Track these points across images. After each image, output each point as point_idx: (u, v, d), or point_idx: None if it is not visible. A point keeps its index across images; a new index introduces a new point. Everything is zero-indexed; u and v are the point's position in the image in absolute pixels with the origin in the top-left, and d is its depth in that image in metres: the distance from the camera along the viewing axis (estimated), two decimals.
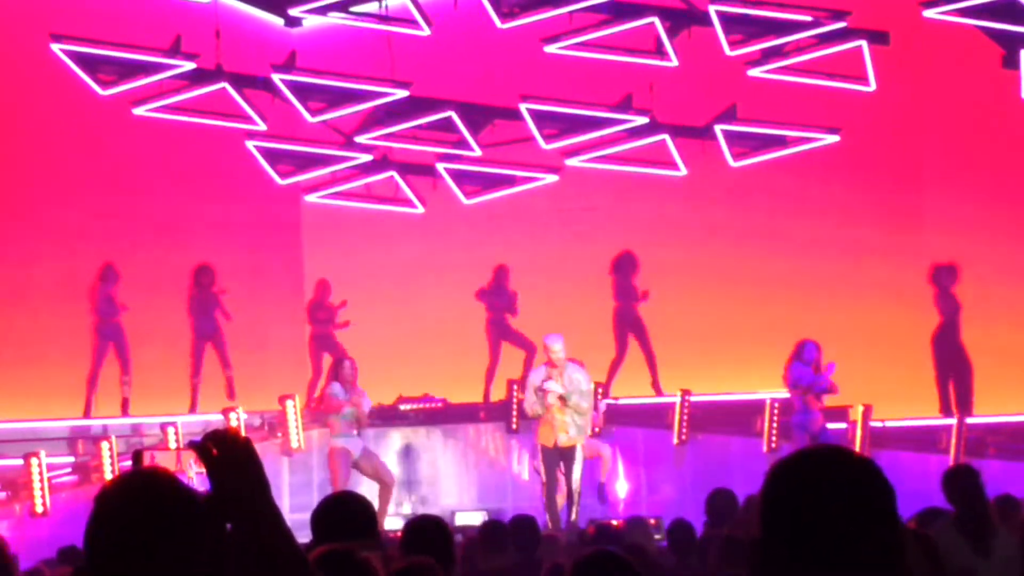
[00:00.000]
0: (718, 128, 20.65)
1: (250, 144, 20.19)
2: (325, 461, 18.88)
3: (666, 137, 20.58)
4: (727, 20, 20.27)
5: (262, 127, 20.05)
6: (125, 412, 19.64)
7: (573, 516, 16.69)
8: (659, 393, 20.14)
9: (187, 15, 19.62)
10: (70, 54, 19.27)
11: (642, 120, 20.42)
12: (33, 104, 20.00)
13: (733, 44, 20.33)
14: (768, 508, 3.34)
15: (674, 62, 20.15)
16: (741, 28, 20.45)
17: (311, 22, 20.46)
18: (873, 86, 20.50)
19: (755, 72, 20.43)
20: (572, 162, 20.71)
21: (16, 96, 19.98)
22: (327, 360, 20.05)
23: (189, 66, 19.45)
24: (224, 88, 19.68)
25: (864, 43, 20.45)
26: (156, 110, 19.75)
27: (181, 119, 19.98)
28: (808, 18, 20.40)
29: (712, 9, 20.17)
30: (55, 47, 19.13)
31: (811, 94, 20.79)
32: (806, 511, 3.28)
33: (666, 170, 20.82)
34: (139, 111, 19.68)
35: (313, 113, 19.97)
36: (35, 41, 19.34)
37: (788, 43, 20.40)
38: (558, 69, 20.35)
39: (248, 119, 19.96)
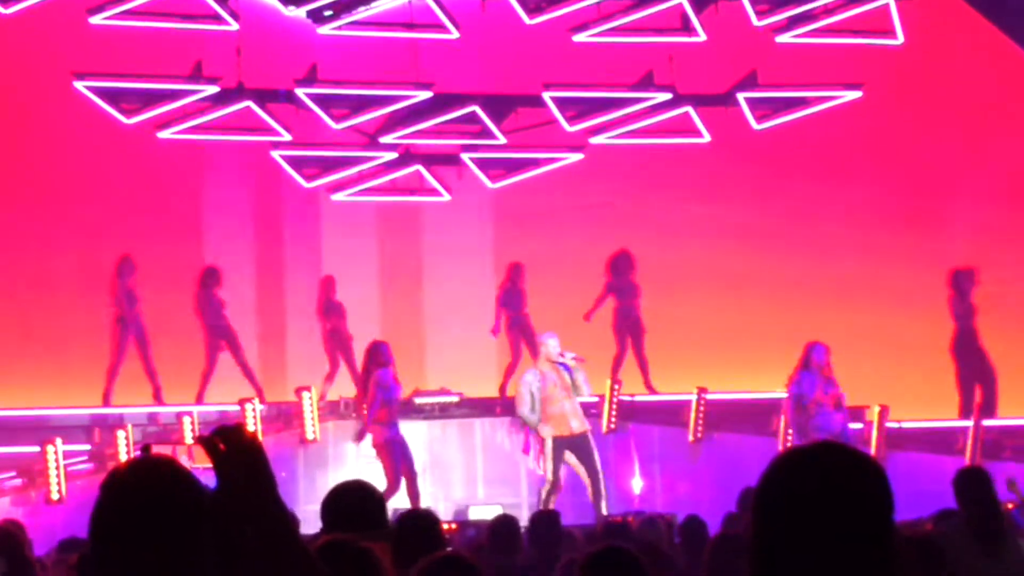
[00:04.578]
0: (740, 96, 20.58)
1: (275, 154, 20.20)
2: (340, 452, 18.98)
3: (689, 109, 20.52)
4: None
5: (287, 138, 20.04)
6: (159, 401, 19.72)
7: (604, 510, 16.76)
8: (652, 392, 20.20)
9: (208, 31, 19.59)
10: (93, 89, 19.33)
11: (665, 96, 20.37)
12: (58, 124, 20.11)
13: (760, 14, 20.30)
14: (762, 504, 3.33)
15: (702, 37, 20.12)
16: None
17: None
18: (901, 39, 20.42)
19: (783, 38, 20.36)
20: (597, 140, 20.64)
21: (40, 113, 20.12)
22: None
23: (212, 89, 19.45)
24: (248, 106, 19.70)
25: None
26: (181, 132, 19.78)
27: (206, 138, 20.02)
28: None
29: None
30: (78, 84, 19.21)
31: (838, 61, 20.74)
32: (799, 508, 3.26)
33: (690, 138, 20.75)
34: (164, 134, 19.70)
35: (337, 120, 19.97)
36: (56, 66, 19.44)
37: (815, 7, 20.33)
38: (579, 55, 20.32)
39: (273, 132, 19.96)
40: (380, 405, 17.13)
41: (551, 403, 16.94)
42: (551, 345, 17.08)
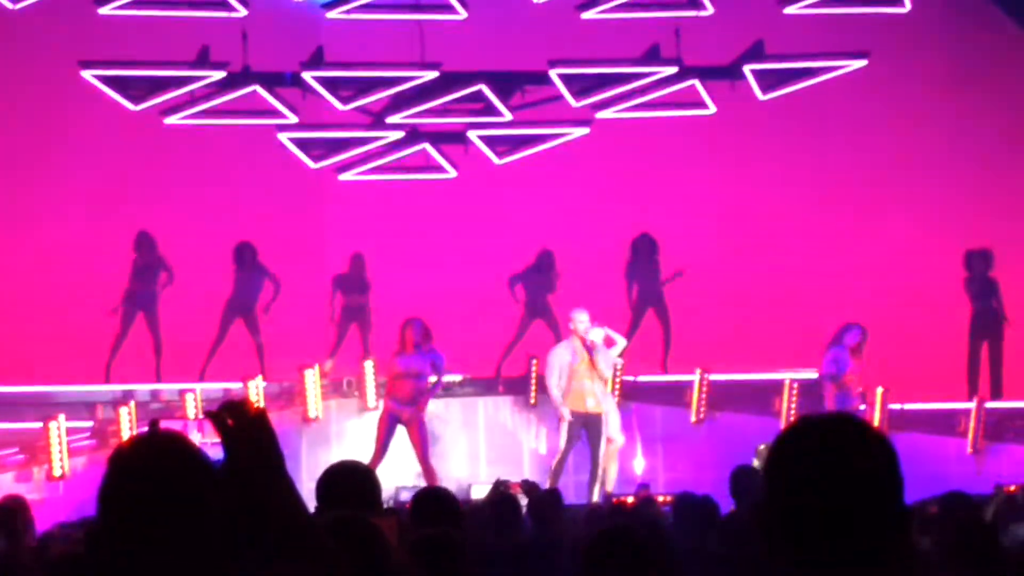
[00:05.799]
0: (746, 68, 20.46)
1: (282, 136, 20.20)
2: (342, 431, 19.07)
3: (696, 82, 20.44)
4: None
5: (293, 120, 20.04)
6: (159, 380, 19.79)
7: (595, 496, 16.84)
8: (663, 372, 20.23)
9: (214, 17, 19.61)
10: (100, 78, 19.34)
11: (671, 69, 20.28)
12: (66, 108, 20.15)
13: None
14: (770, 473, 3.30)
15: (710, 11, 20.04)
16: None
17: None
18: (908, 6, 20.29)
19: (791, 9, 20.24)
20: (603, 114, 20.57)
21: (49, 98, 20.16)
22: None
23: (218, 75, 19.45)
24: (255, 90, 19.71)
25: None
26: (187, 117, 19.78)
27: (213, 123, 20.04)
28: None
29: None
30: (85, 73, 19.22)
31: (846, 31, 20.64)
32: (805, 476, 3.23)
33: (696, 110, 20.67)
34: (171, 120, 19.72)
35: (344, 102, 19.97)
36: (63, 55, 19.48)
37: None
38: (586, 31, 20.26)
39: (280, 115, 19.95)
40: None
41: (575, 378, 17.36)
42: (579, 320, 17.40)
